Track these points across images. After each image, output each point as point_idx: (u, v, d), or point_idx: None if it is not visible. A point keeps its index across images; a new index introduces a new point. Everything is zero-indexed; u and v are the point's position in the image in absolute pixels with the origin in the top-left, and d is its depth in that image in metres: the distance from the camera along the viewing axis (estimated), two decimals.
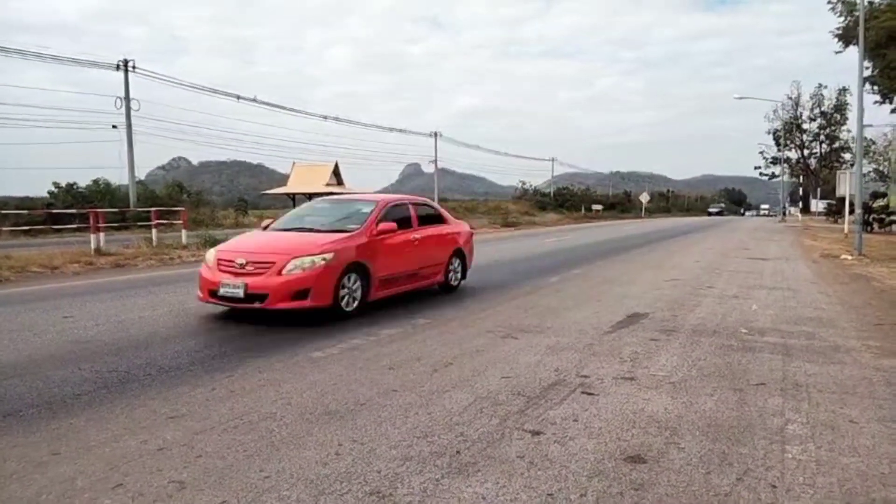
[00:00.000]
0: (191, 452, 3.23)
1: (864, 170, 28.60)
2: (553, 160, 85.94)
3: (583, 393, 4.20)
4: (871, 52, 22.08)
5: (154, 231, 17.29)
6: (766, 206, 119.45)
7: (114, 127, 33.05)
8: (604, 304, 7.93)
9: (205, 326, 6.58)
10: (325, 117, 50.02)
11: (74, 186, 33.28)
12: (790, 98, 74.45)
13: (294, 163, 55.40)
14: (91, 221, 15.14)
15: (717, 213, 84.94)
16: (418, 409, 3.89)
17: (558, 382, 4.45)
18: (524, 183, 73.39)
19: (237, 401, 4.08)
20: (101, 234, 15.12)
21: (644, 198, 72.38)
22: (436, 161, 61.67)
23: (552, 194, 71.90)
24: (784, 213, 58.69)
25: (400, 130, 60.00)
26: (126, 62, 32.47)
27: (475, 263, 10.62)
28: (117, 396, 4.19)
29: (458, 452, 3.21)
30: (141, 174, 41.67)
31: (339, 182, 53.66)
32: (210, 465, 3.07)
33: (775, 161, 72.83)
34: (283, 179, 61.32)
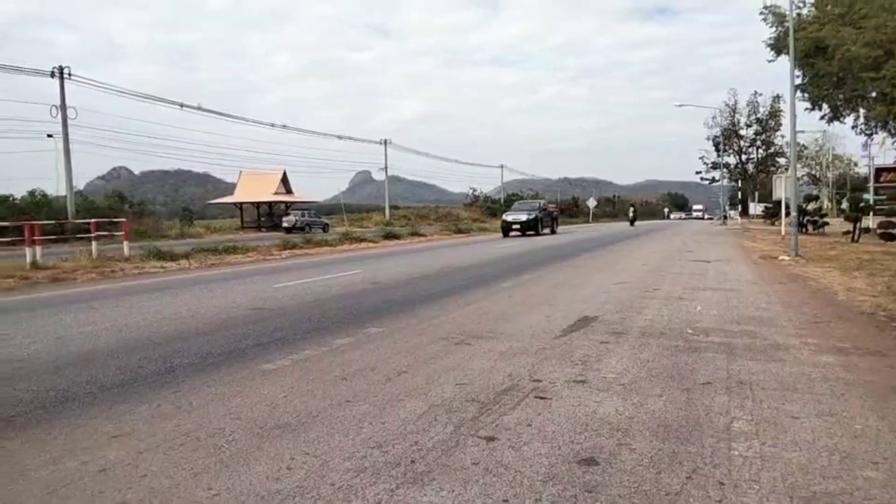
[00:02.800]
0: (135, 472, 3.11)
1: (798, 174, 29.87)
2: (502, 167, 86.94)
3: (536, 397, 4.23)
4: (801, 61, 23.08)
5: (94, 243, 16.69)
6: (700, 207, 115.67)
7: (49, 136, 31.86)
8: (555, 308, 8.03)
9: (150, 341, 6.37)
10: (272, 125, 49.39)
11: (9, 198, 31.90)
12: (728, 105, 77.25)
13: (241, 171, 54.45)
14: (26, 234, 14.53)
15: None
16: (372, 418, 3.85)
17: (512, 388, 4.47)
18: (474, 190, 73.98)
19: (184, 417, 3.95)
20: (38, 248, 14.52)
21: (591, 203, 73.85)
22: (386, 168, 61.53)
23: (502, 200, 72.59)
24: (725, 217, 60.16)
25: (349, 138, 59.63)
26: (61, 69, 31.37)
27: (426, 271, 10.59)
28: (56, 417, 4.01)
29: (412, 462, 3.18)
30: (80, 184, 40.32)
31: (288, 190, 53.00)
32: (155, 485, 2.96)
33: (715, 166, 75.41)
34: (230, 188, 60.09)
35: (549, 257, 17.01)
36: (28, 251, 14.15)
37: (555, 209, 40.07)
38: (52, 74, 31.21)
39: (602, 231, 37.91)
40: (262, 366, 5.23)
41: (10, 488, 2.97)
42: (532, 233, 30.37)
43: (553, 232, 33.52)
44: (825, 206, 43.84)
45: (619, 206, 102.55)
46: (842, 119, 27.41)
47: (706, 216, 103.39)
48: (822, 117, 27.37)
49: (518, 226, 30.55)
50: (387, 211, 61.24)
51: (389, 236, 28.84)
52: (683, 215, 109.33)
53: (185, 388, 4.58)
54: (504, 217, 32.70)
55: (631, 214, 58.44)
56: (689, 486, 2.88)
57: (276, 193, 50.81)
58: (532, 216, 30.98)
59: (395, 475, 3.02)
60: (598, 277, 11.63)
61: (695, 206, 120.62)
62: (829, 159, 76.06)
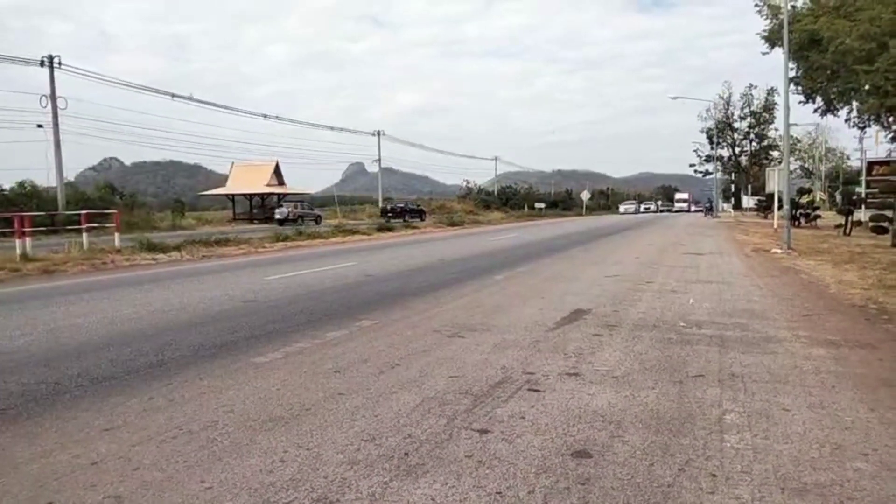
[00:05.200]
0: (127, 465, 3.10)
1: (791, 167, 29.99)
2: (496, 159, 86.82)
3: (529, 390, 4.24)
4: (795, 53, 23.14)
5: (85, 235, 16.57)
6: (685, 197, 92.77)
7: (39, 126, 31.58)
8: (548, 300, 8.04)
9: (141, 333, 6.34)
10: (265, 116, 49.17)
11: None
12: (722, 98, 77.43)
13: (233, 163, 54.07)
14: (16, 225, 14.42)
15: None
16: (365, 411, 3.85)
17: (505, 380, 4.47)
18: (468, 182, 73.81)
19: (176, 410, 3.94)
20: (28, 239, 14.41)
21: (585, 196, 73.88)
22: (379, 160, 61.34)
23: (496, 193, 72.59)
24: (711, 209, 56.97)
25: (342, 129, 59.45)
26: (52, 58, 31.08)
27: (420, 264, 10.59)
28: (47, 410, 3.99)
29: (406, 454, 3.18)
30: (70, 175, 40.00)
31: (281, 182, 52.70)
32: (148, 478, 2.95)
33: (709, 159, 75.55)
34: (221, 180, 59.76)
35: (543, 250, 17.02)
36: (18, 243, 14.04)
37: None
38: (42, 63, 30.92)
39: (597, 223, 37.97)
40: (254, 358, 5.21)
41: (1, 482, 2.95)
42: None
43: None
44: (817, 200, 44.02)
45: (613, 198, 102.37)
46: (835, 112, 27.52)
47: (693, 207, 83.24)
48: (815, 110, 27.51)
49: None
50: (380, 203, 61.13)
51: (382, 228, 28.80)
52: (641, 208, 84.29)
53: (177, 381, 4.57)
54: None
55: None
56: (682, 477, 2.89)
57: (268, 185, 50.53)
58: None
59: (389, 468, 3.02)
60: (592, 270, 11.65)
61: (678, 196, 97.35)
62: (822, 152, 76.33)
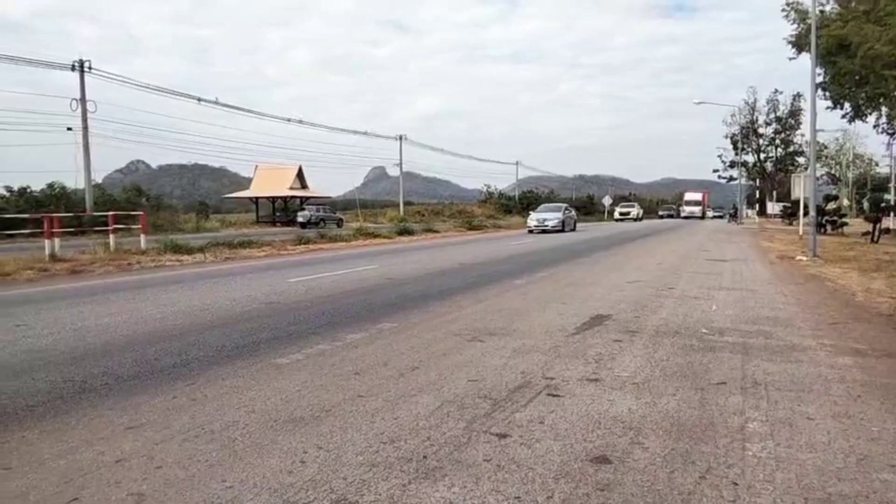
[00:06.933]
0: (150, 463, 3.15)
1: (818, 173, 29.52)
2: (517, 163, 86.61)
3: (548, 395, 4.23)
4: (823, 59, 22.78)
5: (111, 236, 16.88)
6: (696, 198, 70.97)
7: (69, 129, 32.25)
8: (569, 306, 8.00)
9: (166, 333, 6.44)
10: (288, 119, 49.61)
11: (28, 190, 32.33)
12: (747, 103, 76.49)
13: (257, 166, 54.70)
14: (45, 226, 14.72)
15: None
16: (384, 414, 3.87)
17: (524, 385, 4.46)
18: (489, 186, 73.75)
19: (199, 409, 3.99)
20: (57, 240, 14.71)
21: (606, 201, 73.32)
22: (401, 164, 61.59)
23: (517, 197, 72.39)
24: (735, 216, 54.64)
25: (365, 133, 59.74)
26: (81, 63, 31.70)
27: (440, 267, 10.61)
28: (73, 407, 4.07)
29: (424, 457, 3.19)
30: (98, 178, 40.59)
31: (304, 185, 53.17)
32: (171, 476, 3.00)
33: (733, 164, 74.60)
34: (245, 182, 60.43)
35: (564, 255, 16.95)
36: (47, 243, 14.33)
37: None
38: (73, 68, 31.56)
39: (618, 228, 37.70)
40: (276, 359, 5.27)
41: (29, 477, 3.02)
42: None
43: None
44: (844, 206, 43.28)
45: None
46: (864, 118, 27.02)
47: (711, 213, 71.83)
48: (843, 116, 26.99)
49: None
50: (401, 207, 61.32)
51: (403, 232, 28.90)
52: (617, 212, 60.94)
53: (200, 381, 4.63)
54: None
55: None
56: (703, 485, 2.86)
57: (291, 188, 51.02)
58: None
59: (408, 470, 3.03)
60: (613, 276, 11.58)
61: (689, 196, 73.79)
62: (850, 158, 75.08)
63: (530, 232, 31.98)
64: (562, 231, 31.88)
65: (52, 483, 2.95)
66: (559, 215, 33.28)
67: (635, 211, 60.60)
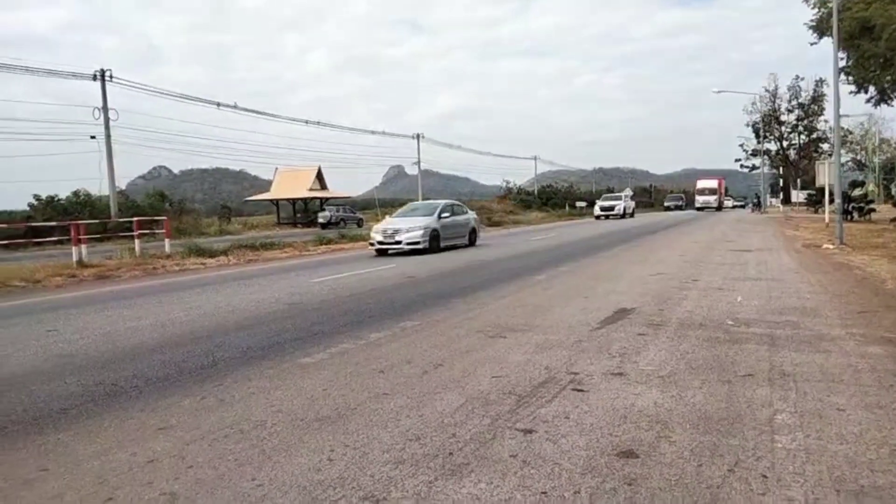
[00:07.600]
0: (181, 463, 3.20)
1: (843, 159, 28.99)
2: (536, 158, 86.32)
3: (573, 390, 4.22)
4: (846, 42, 22.35)
5: (137, 241, 17.14)
6: (710, 185, 62.84)
7: (92, 137, 32.74)
8: (591, 300, 7.96)
9: (192, 335, 6.53)
10: (306, 122, 50.02)
11: (55, 199, 32.95)
12: (768, 91, 75.08)
13: (277, 168, 55.14)
14: (72, 233, 15.00)
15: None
16: (410, 411, 3.89)
17: (549, 380, 4.46)
18: (508, 182, 73.41)
19: (227, 410, 4.05)
20: (83, 246, 14.98)
21: (626, 193, 72.65)
22: (419, 163, 61.60)
23: (536, 192, 72.03)
24: (759, 205, 52.45)
25: (382, 133, 59.90)
26: (103, 72, 32.20)
27: (462, 264, 10.62)
28: (105, 409, 4.15)
29: (450, 454, 3.20)
30: (122, 184, 41.31)
31: (323, 186, 53.46)
32: (201, 476, 3.05)
33: (755, 153, 73.42)
34: (265, 185, 60.94)
35: (585, 249, 16.85)
36: (74, 250, 14.60)
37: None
38: (95, 77, 32.07)
39: (640, 221, 37.38)
40: (301, 359, 5.32)
41: (65, 478, 3.09)
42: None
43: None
44: (871, 192, 42.43)
45: (655, 195, 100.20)
46: (889, 101, 26.45)
47: (731, 202, 64.69)
48: (868, 100, 26.45)
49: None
50: None
51: None
52: (600, 209, 43.76)
53: (228, 382, 4.69)
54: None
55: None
56: (732, 478, 2.84)
57: (311, 189, 51.34)
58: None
59: (434, 467, 3.05)
60: (635, 269, 11.49)
61: (702, 183, 64.37)
62: (876, 143, 73.56)
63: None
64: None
65: (87, 483, 3.01)
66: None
67: (621, 205, 44.09)
